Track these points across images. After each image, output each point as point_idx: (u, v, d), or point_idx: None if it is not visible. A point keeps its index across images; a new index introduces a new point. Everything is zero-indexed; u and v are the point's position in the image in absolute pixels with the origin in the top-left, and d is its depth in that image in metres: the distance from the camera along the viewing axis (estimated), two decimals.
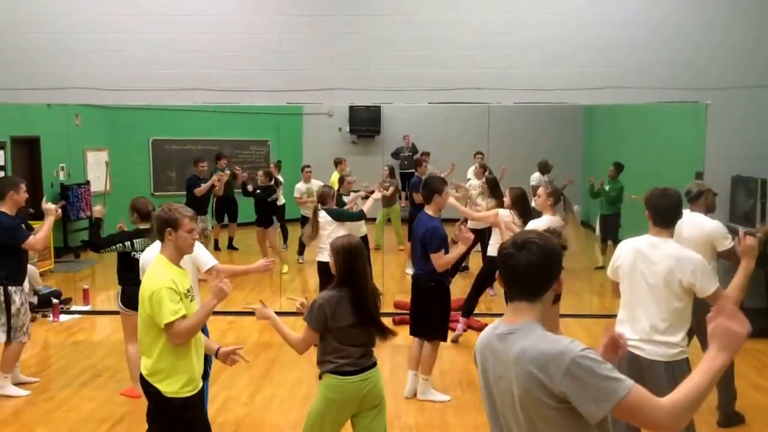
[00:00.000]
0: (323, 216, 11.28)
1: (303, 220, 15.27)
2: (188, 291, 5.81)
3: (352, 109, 21.04)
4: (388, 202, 16.50)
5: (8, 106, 14.10)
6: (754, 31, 12.48)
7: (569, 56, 12.57)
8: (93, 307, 13.50)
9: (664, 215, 6.23)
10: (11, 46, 12.71)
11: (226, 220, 17.71)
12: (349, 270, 6.05)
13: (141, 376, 5.77)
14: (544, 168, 16.72)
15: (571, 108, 17.49)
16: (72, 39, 12.67)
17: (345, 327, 5.97)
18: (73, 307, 13.40)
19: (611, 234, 16.13)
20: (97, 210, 9.89)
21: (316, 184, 15.46)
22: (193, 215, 5.96)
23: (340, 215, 11.41)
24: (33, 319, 12.37)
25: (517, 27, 12.59)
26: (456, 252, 8.89)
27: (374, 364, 6.13)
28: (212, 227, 17.01)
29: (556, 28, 12.58)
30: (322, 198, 11.55)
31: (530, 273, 3.52)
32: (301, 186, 16.10)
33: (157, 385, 5.65)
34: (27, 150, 16.83)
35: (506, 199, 10.74)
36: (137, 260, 8.63)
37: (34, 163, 17.10)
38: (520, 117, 19.23)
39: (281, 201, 17.47)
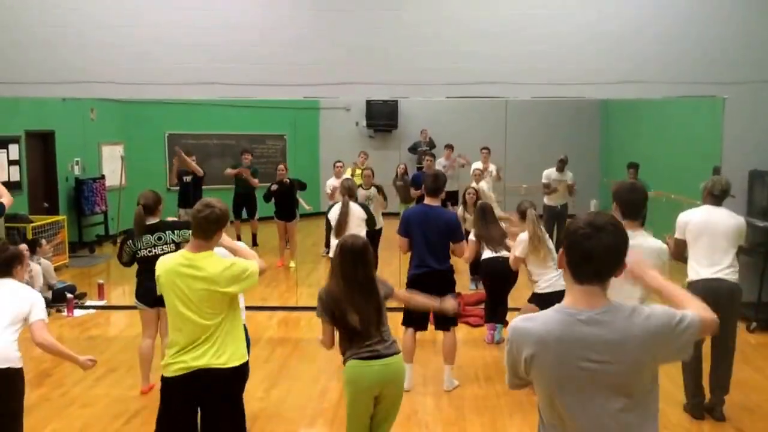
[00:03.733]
0: (358, 210, 11.40)
1: None
2: None
3: (369, 103, 21.07)
4: (405, 198, 16.48)
5: (23, 100, 14.13)
6: None
7: (586, 51, 12.51)
8: (108, 302, 13.46)
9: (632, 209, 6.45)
10: (26, 41, 12.70)
11: (244, 214, 17.65)
12: (341, 267, 6.22)
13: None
14: (560, 165, 16.55)
15: (588, 102, 17.50)
16: (88, 33, 12.67)
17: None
18: (88, 302, 13.37)
19: None
20: None
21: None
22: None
23: (369, 219, 11.58)
24: (48, 314, 12.36)
25: (534, 21, 12.54)
26: None
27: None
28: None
29: (573, 23, 12.52)
30: (351, 191, 11.64)
31: (609, 254, 3.48)
32: (333, 181, 15.97)
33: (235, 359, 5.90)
34: (42, 144, 16.86)
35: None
36: (150, 257, 8.58)
37: (49, 157, 17.14)
38: (538, 111, 19.23)
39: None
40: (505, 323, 11.40)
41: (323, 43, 12.71)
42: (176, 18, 12.67)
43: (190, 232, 8.75)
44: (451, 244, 9.18)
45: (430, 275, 9.00)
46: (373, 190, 14.13)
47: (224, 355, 5.76)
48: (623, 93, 12.93)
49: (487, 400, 8.91)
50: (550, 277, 9.23)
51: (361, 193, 13.05)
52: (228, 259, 5.95)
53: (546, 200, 16.11)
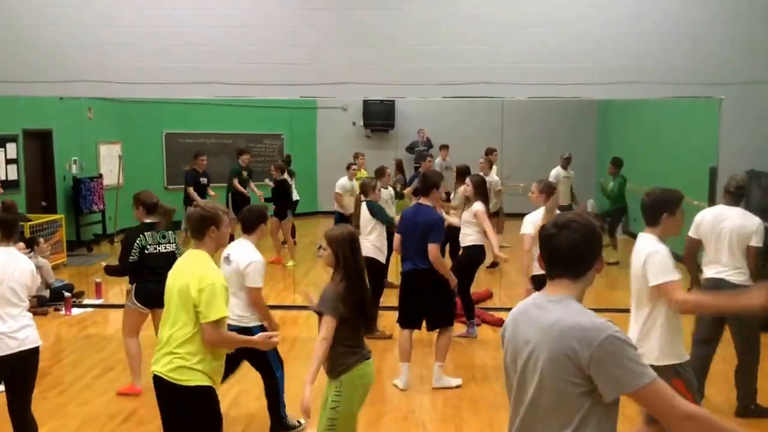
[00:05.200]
0: (364, 209, 11.49)
1: (340, 218, 15.16)
2: None
3: (365, 103, 21.03)
4: (398, 195, 16.56)
5: (21, 99, 14.14)
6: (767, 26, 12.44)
7: (583, 51, 12.51)
8: (105, 301, 13.49)
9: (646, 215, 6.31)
10: (24, 39, 12.69)
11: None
12: (354, 260, 6.12)
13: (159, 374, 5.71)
14: (565, 163, 16.63)
15: (585, 103, 17.50)
16: (85, 32, 12.66)
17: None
18: (86, 301, 13.40)
19: (615, 228, 16.59)
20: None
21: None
22: (226, 211, 6.02)
23: (376, 212, 11.54)
24: (45, 313, 12.41)
25: (531, 22, 12.54)
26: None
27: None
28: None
29: (570, 23, 12.53)
30: (364, 189, 11.79)
31: (573, 252, 3.61)
32: (345, 182, 15.99)
33: (184, 376, 5.64)
34: (39, 143, 16.87)
35: (468, 188, 10.99)
36: (154, 255, 8.84)
37: (47, 156, 17.16)
38: (535, 111, 19.23)
39: (295, 197, 17.55)
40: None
41: (320, 43, 12.71)
42: (174, 17, 12.66)
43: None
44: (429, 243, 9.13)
45: (416, 274, 9.21)
46: (391, 189, 14.11)
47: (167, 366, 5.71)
48: (620, 93, 12.97)
49: (483, 400, 8.93)
50: None
51: (383, 192, 13.06)
52: (212, 275, 5.68)
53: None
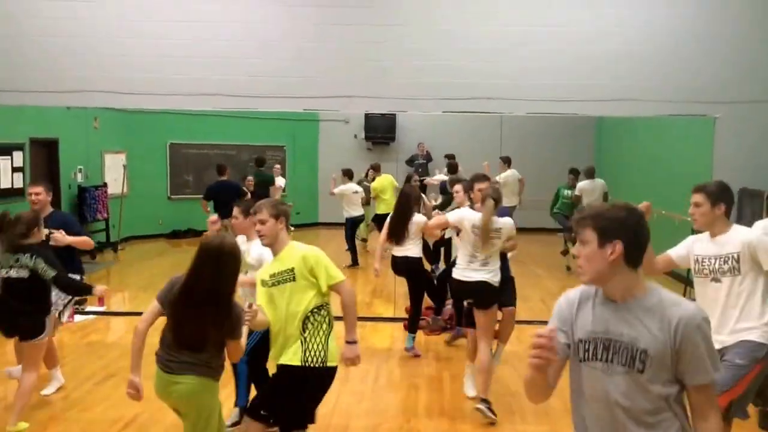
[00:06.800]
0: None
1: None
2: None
3: (367, 116, 21.25)
4: (368, 201, 16.90)
5: (28, 108, 14.26)
6: (763, 46, 12.57)
7: (581, 68, 12.67)
8: (107, 308, 13.52)
9: None
10: (31, 49, 12.83)
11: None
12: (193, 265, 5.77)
13: None
14: (590, 174, 16.84)
15: (582, 119, 17.67)
16: (92, 43, 12.82)
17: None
18: (88, 308, 13.42)
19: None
20: None
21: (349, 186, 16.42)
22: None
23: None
24: None
25: (530, 39, 12.69)
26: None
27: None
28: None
29: (568, 41, 12.68)
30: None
31: None
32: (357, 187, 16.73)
33: None
34: (46, 152, 17.00)
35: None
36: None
37: (53, 164, 17.27)
38: (533, 127, 19.44)
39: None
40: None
41: (324, 57, 12.88)
42: (179, 30, 12.84)
43: (46, 265, 7.87)
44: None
45: None
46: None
47: None
48: (617, 111, 13.13)
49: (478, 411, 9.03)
50: None
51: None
52: None
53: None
